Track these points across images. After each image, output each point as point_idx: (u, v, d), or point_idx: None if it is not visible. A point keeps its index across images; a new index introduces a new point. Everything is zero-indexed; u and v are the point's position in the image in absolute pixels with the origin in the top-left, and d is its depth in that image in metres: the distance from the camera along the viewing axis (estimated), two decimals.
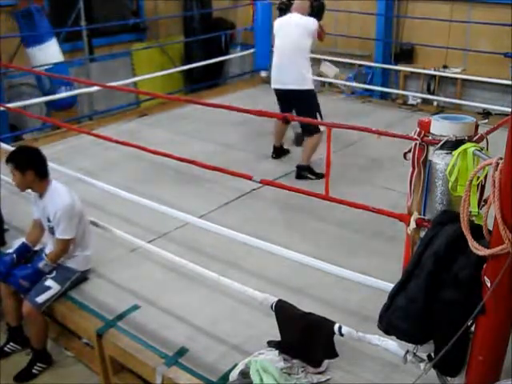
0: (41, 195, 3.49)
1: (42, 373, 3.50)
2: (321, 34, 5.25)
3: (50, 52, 7.46)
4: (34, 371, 3.48)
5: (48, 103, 7.33)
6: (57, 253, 3.47)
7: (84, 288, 3.63)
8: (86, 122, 7.76)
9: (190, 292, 3.54)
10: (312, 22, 5.13)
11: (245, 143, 6.09)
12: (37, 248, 3.68)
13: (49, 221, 3.46)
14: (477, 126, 2.25)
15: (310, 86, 5.16)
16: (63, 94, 7.01)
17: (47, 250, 3.54)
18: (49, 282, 3.44)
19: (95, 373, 3.46)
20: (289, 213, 4.55)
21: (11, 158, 3.43)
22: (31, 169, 3.39)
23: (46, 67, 7.14)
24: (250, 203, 4.78)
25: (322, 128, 4.94)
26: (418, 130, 2.30)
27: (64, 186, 3.52)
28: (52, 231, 3.48)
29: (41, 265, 3.46)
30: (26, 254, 3.62)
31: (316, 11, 5.27)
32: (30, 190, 3.55)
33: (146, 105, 8.41)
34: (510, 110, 4.47)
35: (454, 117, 2.28)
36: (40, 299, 3.38)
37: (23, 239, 3.70)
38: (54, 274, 3.47)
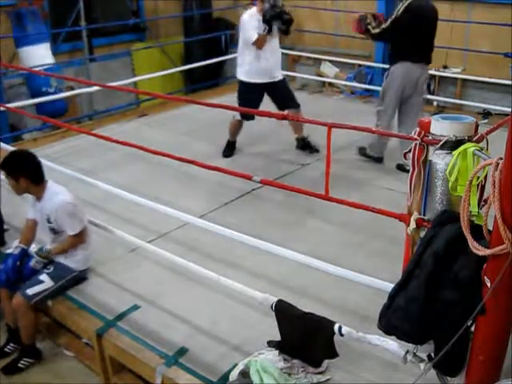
0: (38, 198, 3.49)
1: (29, 368, 3.50)
2: (259, 42, 5.21)
3: (37, 55, 7.39)
4: (20, 365, 3.48)
5: (39, 109, 7.19)
6: (67, 246, 3.49)
7: (84, 288, 3.64)
8: (85, 122, 7.78)
9: (189, 292, 3.54)
10: (241, 19, 5.30)
11: (245, 143, 6.08)
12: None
13: (49, 222, 3.45)
14: (477, 126, 2.25)
15: (240, 77, 5.49)
16: (63, 95, 7.01)
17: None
18: (43, 277, 3.43)
19: (95, 373, 3.46)
20: (289, 213, 4.55)
21: (3, 165, 3.43)
22: (24, 176, 3.38)
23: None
24: (249, 203, 4.78)
25: (237, 117, 5.58)
26: (418, 129, 2.30)
27: (61, 186, 3.51)
28: (54, 231, 3.48)
29: (32, 263, 3.46)
30: (25, 257, 3.58)
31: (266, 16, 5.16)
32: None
33: (146, 105, 8.42)
34: (509, 109, 4.46)
35: (453, 117, 2.27)
36: (30, 291, 3.37)
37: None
38: (50, 269, 3.47)
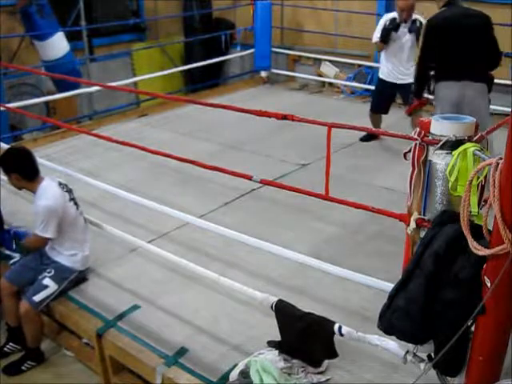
0: (34, 192, 3.51)
1: (30, 369, 3.52)
2: (378, 45, 5.93)
3: (52, 47, 7.49)
4: (23, 368, 3.50)
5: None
6: (32, 244, 3.52)
7: (84, 288, 3.64)
8: (85, 122, 7.77)
9: (189, 292, 3.54)
10: None
11: (245, 143, 6.09)
12: None
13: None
14: (477, 126, 2.25)
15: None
16: (62, 95, 7.00)
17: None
18: (46, 281, 3.44)
19: (95, 373, 3.46)
20: (289, 213, 4.55)
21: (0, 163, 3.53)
22: (15, 172, 3.43)
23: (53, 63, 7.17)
24: (250, 203, 4.77)
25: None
26: (418, 129, 2.30)
27: (55, 187, 3.45)
28: None
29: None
30: None
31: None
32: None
33: (145, 105, 8.42)
34: (509, 109, 4.44)
35: (454, 117, 2.27)
36: (37, 298, 3.38)
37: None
38: (52, 272, 3.47)
